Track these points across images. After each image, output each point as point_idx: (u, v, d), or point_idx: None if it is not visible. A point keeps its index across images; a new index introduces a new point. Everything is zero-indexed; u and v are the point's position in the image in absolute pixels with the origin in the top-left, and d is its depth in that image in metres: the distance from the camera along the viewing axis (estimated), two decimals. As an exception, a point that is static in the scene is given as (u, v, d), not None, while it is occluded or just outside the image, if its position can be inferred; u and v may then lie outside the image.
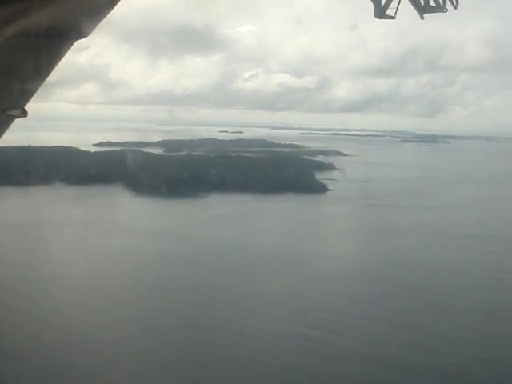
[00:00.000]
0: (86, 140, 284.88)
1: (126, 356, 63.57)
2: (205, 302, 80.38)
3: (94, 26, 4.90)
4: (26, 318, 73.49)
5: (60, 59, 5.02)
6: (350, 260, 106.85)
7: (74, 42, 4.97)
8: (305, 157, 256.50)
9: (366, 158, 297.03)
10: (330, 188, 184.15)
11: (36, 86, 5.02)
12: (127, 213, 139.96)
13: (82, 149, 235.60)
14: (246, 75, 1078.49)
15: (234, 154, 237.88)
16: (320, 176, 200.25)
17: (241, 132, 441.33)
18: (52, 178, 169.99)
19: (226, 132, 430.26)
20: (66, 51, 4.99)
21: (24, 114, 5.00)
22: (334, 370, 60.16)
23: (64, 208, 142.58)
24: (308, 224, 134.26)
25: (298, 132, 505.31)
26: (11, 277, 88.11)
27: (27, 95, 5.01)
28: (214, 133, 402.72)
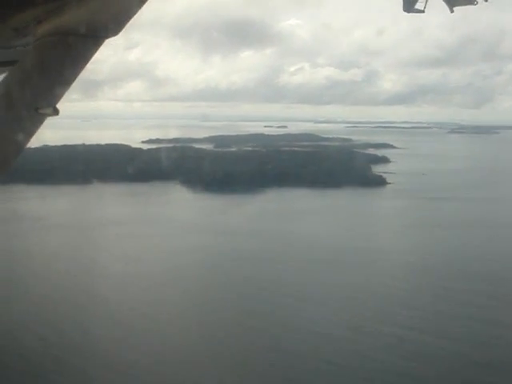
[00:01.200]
0: (134, 137, 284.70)
1: (204, 355, 61.60)
2: (284, 300, 78.05)
3: (124, 25, 4.90)
4: (99, 315, 72.28)
5: (91, 58, 4.97)
6: (422, 255, 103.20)
7: (104, 41, 4.95)
8: (356, 150, 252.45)
9: (416, 150, 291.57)
10: (389, 181, 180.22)
11: (67, 84, 4.93)
12: (189, 210, 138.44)
13: (134, 146, 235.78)
14: (292, 69, 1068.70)
15: (286, 149, 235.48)
16: (376, 169, 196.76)
17: (285, 127, 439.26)
18: (108, 176, 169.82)
19: (271, 127, 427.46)
20: (97, 50, 4.95)
21: (56, 112, 4.82)
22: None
23: (124, 206, 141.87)
24: (374, 218, 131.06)
25: (343, 126, 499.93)
26: (81, 275, 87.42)
27: (58, 94, 4.89)
28: (259, 128, 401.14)
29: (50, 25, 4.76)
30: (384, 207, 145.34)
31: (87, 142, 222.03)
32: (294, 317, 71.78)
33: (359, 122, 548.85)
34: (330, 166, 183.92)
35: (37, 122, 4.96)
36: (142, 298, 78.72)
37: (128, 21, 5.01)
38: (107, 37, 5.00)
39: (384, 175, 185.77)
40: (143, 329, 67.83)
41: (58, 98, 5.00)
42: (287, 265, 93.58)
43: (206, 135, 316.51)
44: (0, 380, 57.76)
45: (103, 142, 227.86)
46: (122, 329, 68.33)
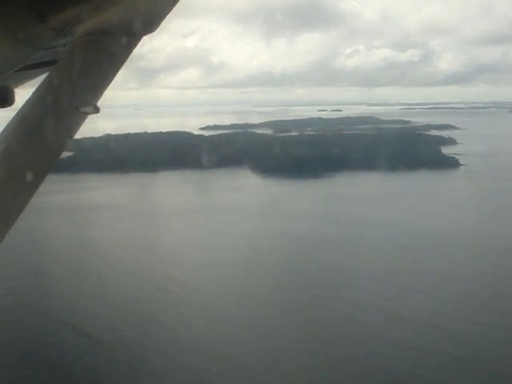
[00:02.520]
0: (189, 124, 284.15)
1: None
2: (384, 288, 75.00)
3: (162, 21, 4.92)
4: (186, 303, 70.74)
5: (129, 55, 5.01)
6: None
7: (141, 38, 5.00)
8: (422, 132, 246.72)
9: (479, 131, 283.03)
10: (461, 163, 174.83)
11: (107, 82, 4.97)
12: (263, 196, 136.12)
13: (195, 133, 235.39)
14: (347, 51, 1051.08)
15: (348, 132, 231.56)
16: (445, 151, 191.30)
17: (340, 110, 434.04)
18: (175, 164, 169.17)
19: (325, 111, 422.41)
20: (135, 47, 4.99)
21: (96, 110, 4.80)
22: None
23: (196, 193, 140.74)
24: (455, 201, 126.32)
25: (398, 108, 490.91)
26: (165, 264, 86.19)
27: (99, 92, 4.92)
28: (313, 112, 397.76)
29: (88, 24, 4.75)
30: (462, 189, 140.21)
31: (149, 130, 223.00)
32: (402, 307, 68.55)
33: (413, 104, 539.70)
34: (397, 148, 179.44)
35: (78, 120, 4.85)
36: (237, 287, 76.95)
37: (165, 16, 4.91)
38: (145, 34, 4.96)
39: (456, 157, 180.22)
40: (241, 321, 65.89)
41: (98, 96, 4.96)
42: (376, 251, 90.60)
43: (263, 120, 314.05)
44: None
45: (165, 129, 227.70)
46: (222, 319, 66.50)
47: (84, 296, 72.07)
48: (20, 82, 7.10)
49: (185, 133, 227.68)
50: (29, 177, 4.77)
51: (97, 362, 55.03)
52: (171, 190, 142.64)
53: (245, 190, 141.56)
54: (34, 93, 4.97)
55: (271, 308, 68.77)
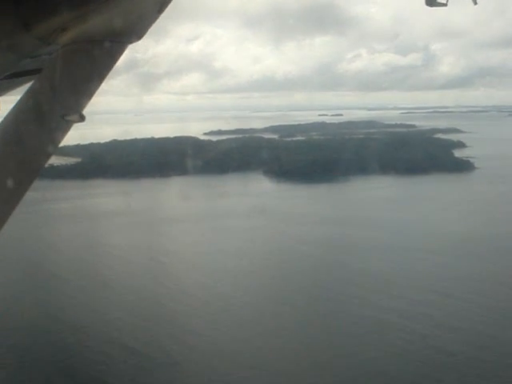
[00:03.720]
0: (192, 130, 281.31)
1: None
2: (415, 293, 72.63)
3: (147, 29, 5.03)
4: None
5: (115, 63, 5.06)
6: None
7: (127, 46, 5.06)
8: (428, 136, 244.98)
9: (484, 134, 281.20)
10: (477, 166, 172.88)
11: (93, 90, 5.05)
12: (281, 200, 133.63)
13: (202, 138, 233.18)
14: (349, 56, 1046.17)
15: (357, 137, 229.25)
16: (458, 154, 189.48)
17: (341, 115, 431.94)
18: (186, 169, 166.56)
19: (326, 115, 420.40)
20: (121, 55, 5.05)
21: (82, 118, 4.92)
22: None
23: (212, 198, 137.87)
24: (483, 204, 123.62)
25: (398, 112, 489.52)
26: (195, 271, 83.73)
27: (84, 100, 5.03)
28: (314, 117, 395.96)
29: (73, 32, 4.80)
30: (484, 192, 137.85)
31: (156, 136, 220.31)
32: (455, 318, 65.81)
33: (413, 108, 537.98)
34: (409, 152, 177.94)
35: (63, 128, 4.93)
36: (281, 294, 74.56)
37: (151, 25, 4.98)
38: (130, 42, 5.04)
39: (470, 160, 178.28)
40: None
41: (84, 104, 4.97)
42: (413, 256, 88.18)
43: (266, 125, 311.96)
44: None
45: (171, 135, 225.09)
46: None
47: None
48: (4, 90, 7.07)
49: (191, 138, 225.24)
50: (13, 184, 4.63)
51: None
52: (187, 195, 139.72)
53: (262, 195, 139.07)
54: (19, 101, 4.91)
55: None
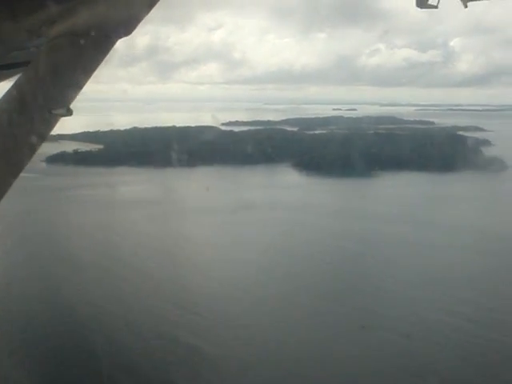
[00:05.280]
0: (206, 119, 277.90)
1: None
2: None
3: (136, 25, 4.95)
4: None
5: (103, 58, 5.00)
6: None
7: (116, 41, 4.99)
8: (453, 133, 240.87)
9: (506, 133, 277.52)
10: (509, 165, 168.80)
11: (80, 84, 4.99)
12: (314, 194, 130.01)
13: (223, 128, 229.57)
14: (367, 51, 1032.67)
15: (381, 132, 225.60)
16: (487, 153, 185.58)
17: (355, 109, 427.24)
18: (211, 159, 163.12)
19: (340, 110, 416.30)
20: (109, 50, 5.01)
21: (69, 112, 4.91)
22: None
23: (245, 190, 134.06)
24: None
25: (413, 109, 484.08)
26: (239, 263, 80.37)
27: (72, 94, 4.96)
28: (328, 111, 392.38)
29: (62, 26, 4.78)
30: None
31: (177, 125, 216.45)
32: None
33: (426, 105, 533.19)
34: (437, 149, 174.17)
35: (50, 122, 4.91)
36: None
37: (140, 21, 4.92)
38: (119, 37, 4.97)
39: (501, 158, 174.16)
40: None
41: (71, 98, 4.90)
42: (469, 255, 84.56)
43: (282, 118, 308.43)
44: None
45: (192, 124, 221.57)
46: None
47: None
48: None
49: (213, 128, 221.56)
50: None
51: None
52: (217, 185, 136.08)
53: (296, 188, 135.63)
54: (6, 94, 4.84)
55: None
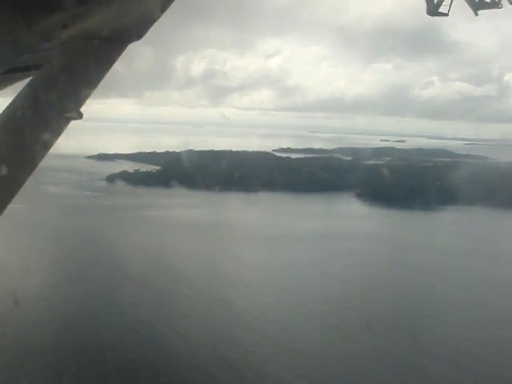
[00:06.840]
0: (256, 145, 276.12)
1: None
2: None
3: (148, 29, 5.01)
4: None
5: (115, 61, 5.05)
6: None
7: (127, 45, 5.04)
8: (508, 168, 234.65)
9: None
10: None
11: (92, 88, 5.02)
12: (381, 225, 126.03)
13: (278, 155, 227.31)
14: (422, 82, 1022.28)
15: (440, 165, 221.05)
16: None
17: (403, 141, 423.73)
18: (272, 184, 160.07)
19: (388, 141, 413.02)
20: (121, 54, 5.04)
21: (80, 115, 4.94)
22: None
23: (307, 218, 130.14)
24: None
25: (461, 143, 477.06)
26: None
27: (83, 97, 5.00)
28: (376, 141, 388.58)
29: (75, 29, 4.82)
30: None
31: (233, 149, 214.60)
32: None
33: (472, 140, 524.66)
34: (502, 184, 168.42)
35: (61, 125, 4.94)
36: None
37: (151, 25, 4.99)
38: (131, 41, 5.03)
39: None
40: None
41: (82, 101, 4.92)
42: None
43: (332, 147, 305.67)
44: None
45: (249, 149, 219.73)
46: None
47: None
48: (3, 85, 7.04)
49: (269, 153, 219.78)
50: (9, 180, 4.61)
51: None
52: (281, 212, 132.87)
53: (365, 219, 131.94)
54: (17, 97, 4.88)
55: None
